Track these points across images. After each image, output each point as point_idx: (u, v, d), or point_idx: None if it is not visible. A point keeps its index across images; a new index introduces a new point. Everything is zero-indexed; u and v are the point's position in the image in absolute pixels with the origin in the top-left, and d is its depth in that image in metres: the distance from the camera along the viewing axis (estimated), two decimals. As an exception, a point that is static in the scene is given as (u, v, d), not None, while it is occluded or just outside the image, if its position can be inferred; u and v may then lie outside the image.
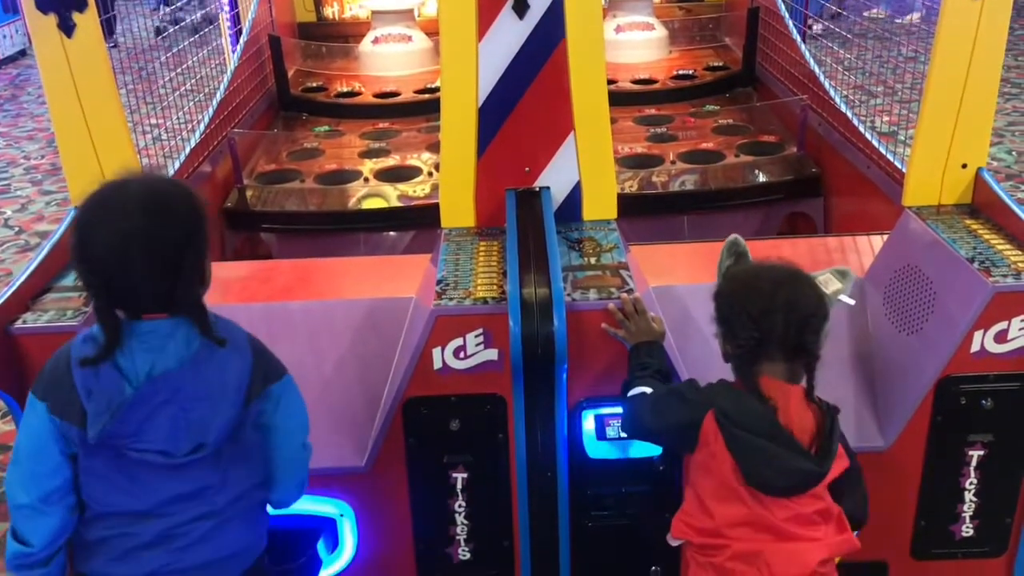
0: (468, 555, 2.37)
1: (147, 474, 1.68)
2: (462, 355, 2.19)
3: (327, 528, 2.35)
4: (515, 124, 2.52)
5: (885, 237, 2.63)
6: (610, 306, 2.17)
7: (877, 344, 2.46)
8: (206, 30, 4.15)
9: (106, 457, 1.67)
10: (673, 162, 3.81)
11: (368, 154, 4.05)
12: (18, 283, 2.31)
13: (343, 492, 2.34)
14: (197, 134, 3.52)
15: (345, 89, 4.83)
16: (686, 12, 5.54)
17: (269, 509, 1.90)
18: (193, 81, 3.88)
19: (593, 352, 2.20)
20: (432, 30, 4.95)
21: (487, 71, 2.48)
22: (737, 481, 1.78)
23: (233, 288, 2.58)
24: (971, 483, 2.36)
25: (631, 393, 2.01)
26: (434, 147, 3.96)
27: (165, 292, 1.63)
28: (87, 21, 2.38)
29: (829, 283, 2.00)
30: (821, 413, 1.82)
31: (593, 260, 2.40)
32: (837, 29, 4.79)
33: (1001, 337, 2.23)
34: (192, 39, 4.08)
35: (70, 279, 2.41)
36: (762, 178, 3.74)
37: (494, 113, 2.51)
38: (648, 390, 1.98)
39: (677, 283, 2.45)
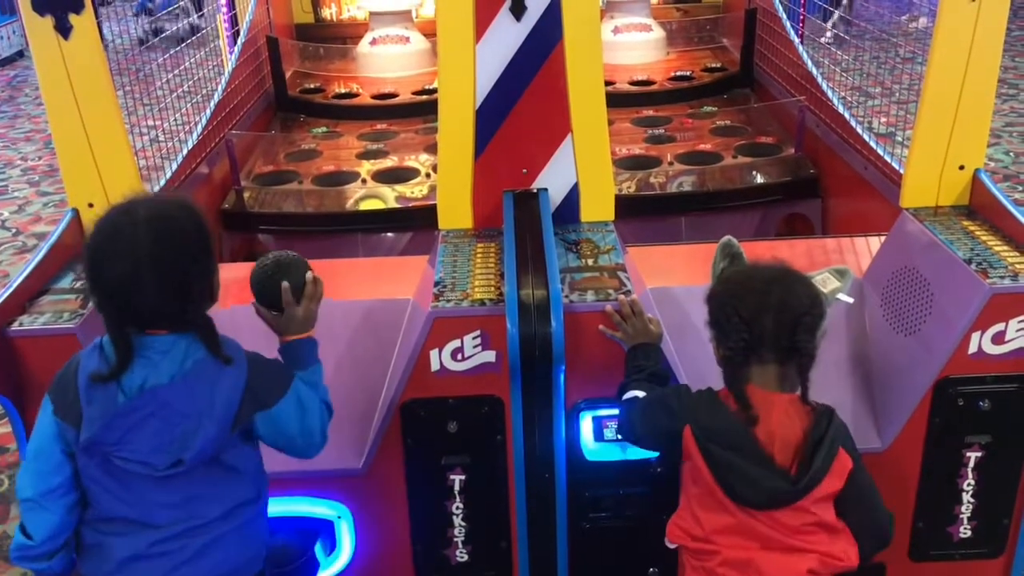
0: (466, 557, 2.37)
1: (135, 482, 1.72)
2: (460, 357, 2.18)
3: (324, 530, 2.35)
4: (513, 125, 2.52)
5: (883, 238, 2.63)
6: (608, 308, 2.16)
7: (875, 345, 2.45)
8: (191, 40, 4.12)
9: (97, 462, 1.71)
10: (671, 163, 3.80)
11: (366, 155, 4.05)
12: (15, 285, 2.30)
13: (340, 494, 2.34)
14: (194, 136, 3.51)
15: (343, 90, 4.82)
16: (684, 13, 5.55)
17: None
18: (190, 83, 3.87)
19: (591, 354, 2.19)
20: (430, 31, 4.94)
21: (485, 72, 2.48)
22: (721, 492, 1.76)
23: (231, 290, 2.57)
24: (969, 484, 2.36)
25: (625, 396, 2.00)
26: (432, 148, 3.96)
27: (176, 311, 1.68)
28: (84, 23, 2.38)
29: (827, 282, 1.99)
30: (813, 420, 1.77)
31: (591, 262, 2.39)
32: (846, 37, 4.79)
33: (999, 338, 2.22)
34: (173, 51, 4.04)
35: (67, 281, 2.41)
36: (760, 179, 3.74)
37: (492, 114, 2.51)
38: (641, 394, 1.97)
39: (675, 285, 2.44)
